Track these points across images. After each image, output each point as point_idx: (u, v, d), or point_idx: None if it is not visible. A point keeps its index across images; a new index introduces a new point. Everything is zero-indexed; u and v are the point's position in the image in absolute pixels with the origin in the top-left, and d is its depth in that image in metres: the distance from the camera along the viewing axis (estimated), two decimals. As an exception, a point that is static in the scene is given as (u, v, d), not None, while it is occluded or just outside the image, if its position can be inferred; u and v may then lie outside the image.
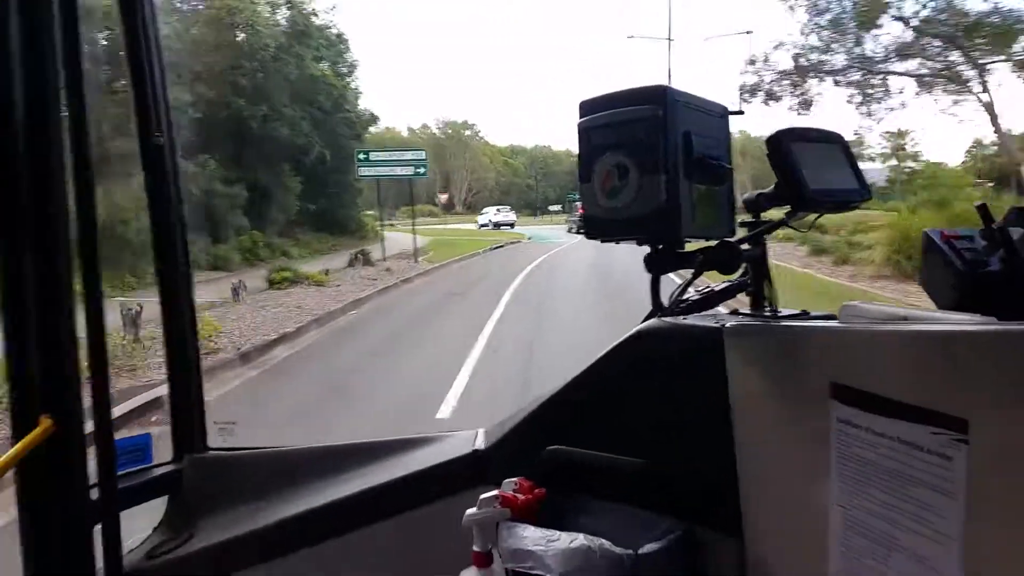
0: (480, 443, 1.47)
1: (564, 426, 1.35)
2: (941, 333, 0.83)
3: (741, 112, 1.49)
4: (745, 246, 1.31)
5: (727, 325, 1.13)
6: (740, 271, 1.34)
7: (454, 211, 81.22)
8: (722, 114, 1.38)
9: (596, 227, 1.34)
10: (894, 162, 71.56)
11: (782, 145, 1.22)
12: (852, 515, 0.93)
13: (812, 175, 1.22)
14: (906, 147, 68.91)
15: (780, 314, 1.27)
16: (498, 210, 52.27)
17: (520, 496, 1.22)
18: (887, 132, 71.32)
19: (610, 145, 1.29)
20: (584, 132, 1.34)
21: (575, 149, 1.37)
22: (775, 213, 1.30)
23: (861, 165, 1.30)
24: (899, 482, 0.86)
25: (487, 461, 1.43)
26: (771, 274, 1.32)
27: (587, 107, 1.34)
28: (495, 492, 1.22)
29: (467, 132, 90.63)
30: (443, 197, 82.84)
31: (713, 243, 1.32)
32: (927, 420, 0.81)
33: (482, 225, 49.32)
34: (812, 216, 1.33)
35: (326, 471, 1.55)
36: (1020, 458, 0.73)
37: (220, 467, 1.65)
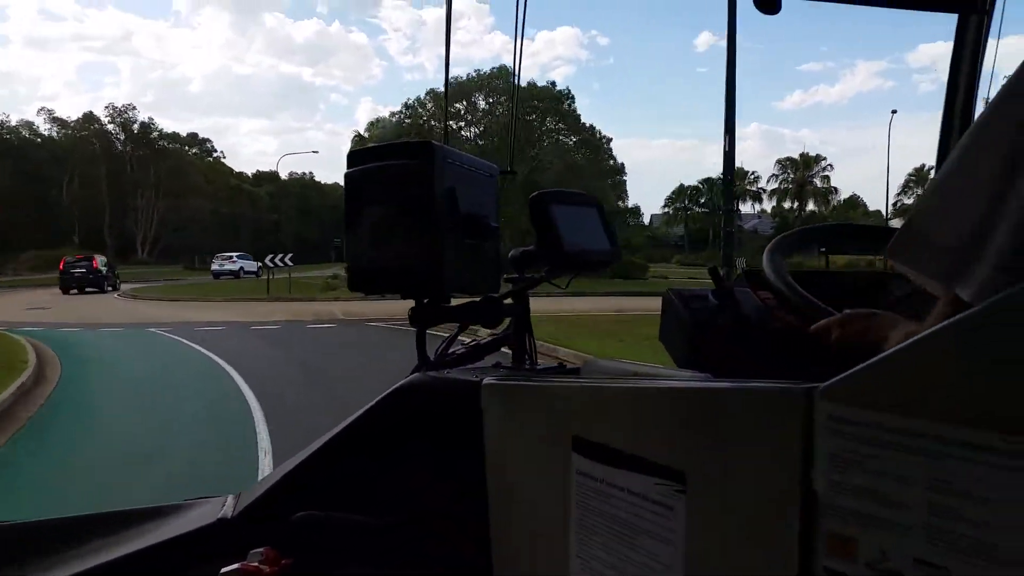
0: (227, 511, 1.36)
1: (321, 487, 1.30)
2: (660, 389, 0.89)
3: (513, 172, 1.57)
4: (508, 301, 1.36)
5: (485, 380, 1.13)
6: (504, 325, 1.38)
7: (132, 258, 59.16)
8: (491, 174, 1.43)
9: (361, 279, 1.35)
10: (788, 203, 69.06)
11: (542, 206, 1.26)
12: (589, 566, 0.95)
13: (569, 236, 1.27)
14: (814, 180, 67.72)
15: (538, 368, 1.31)
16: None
17: (265, 568, 1.14)
18: (784, 160, 70.23)
19: (377, 197, 1.30)
20: (351, 182, 1.33)
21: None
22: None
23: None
24: (629, 532, 0.89)
25: (235, 530, 1.32)
26: (532, 329, 1.37)
27: (355, 158, 1.34)
28: (238, 565, 1.14)
29: (157, 135, 68.21)
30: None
31: (478, 298, 1.36)
32: (652, 471, 0.85)
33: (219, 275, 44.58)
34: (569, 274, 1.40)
35: (59, 546, 1.37)
36: (728, 509, 0.77)
37: None
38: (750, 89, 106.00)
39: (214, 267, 46.23)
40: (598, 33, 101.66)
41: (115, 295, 32.77)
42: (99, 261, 35.48)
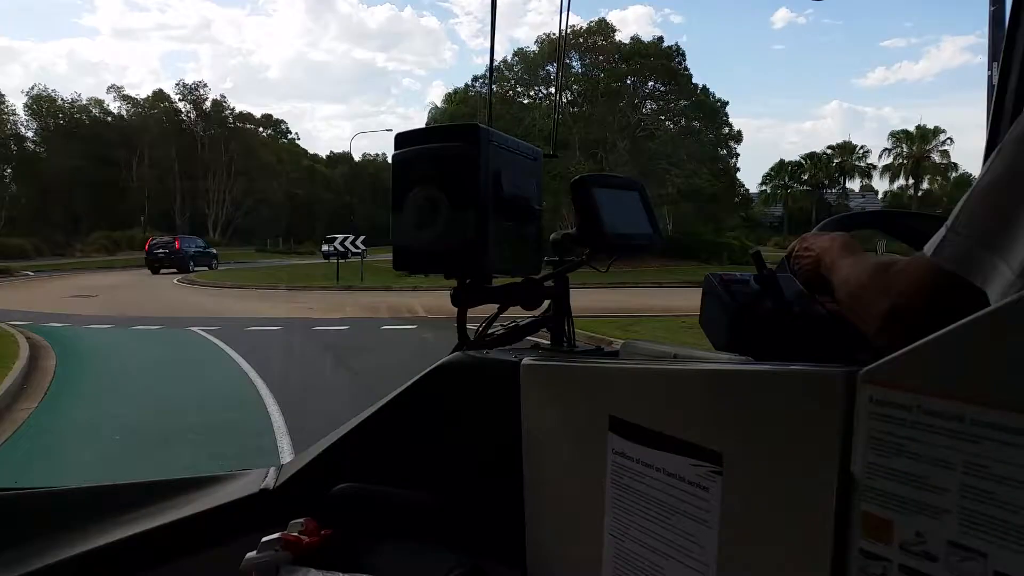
0: (270, 482, 1.38)
1: (360, 462, 1.32)
2: (700, 372, 0.89)
3: (556, 155, 1.58)
4: (549, 283, 1.38)
5: (524, 361, 1.14)
6: (544, 307, 1.40)
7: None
8: (535, 157, 1.44)
9: (405, 258, 1.36)
10: (902, 181, 59.42)
11: (585, 190, 1.29)
12: (623, 545, 0.96)
13: (611, 220, 1.29)
14: (931, 155, 60.54)
15: (577, 349, 1.33)
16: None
17: (305, 538, 1.15)
18: (898, 133, 61.23)
19: (423, 178, 1.31)
20: (399, 164, 1.35)
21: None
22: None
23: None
24: (665, 512, 0.90)
25: (276, 501, 1.34)
26: (571, 311, 1.38)
27: (402, 139, 1.36)
28: (278, 535, 1.15)
29: (229, 114, 64.78)
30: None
31: (519, 280, 1.39)
32: (688, 452, 0.86)
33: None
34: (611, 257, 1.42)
35: (99, 513, 1.39)
36: (765, 490, 0.78)
37: None
38: (831, 66, 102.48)
39: (325, 248, 42.80)
40: (671, 11, 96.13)
41: (175, 280, 30.16)
42: (182, 242, 36.62)
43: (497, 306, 1.42)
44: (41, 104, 58.13)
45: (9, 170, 55.88)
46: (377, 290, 22.74)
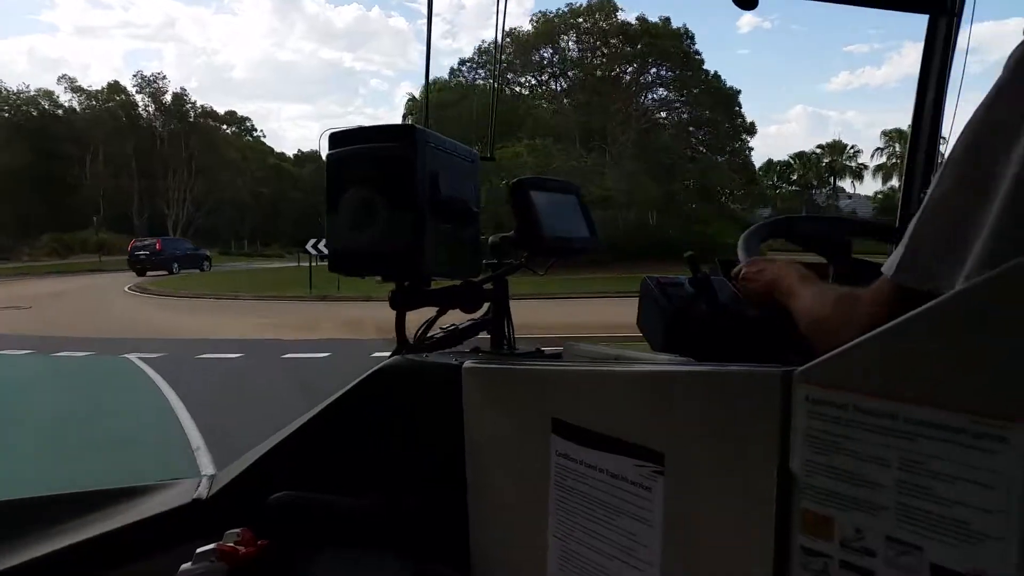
0: (203, 491, 1.34)
1: (297, 470, 1.29)
2: (641, 373, 0.90)
3: (492, 158, 1.57)
4: (488, 286, 1.39)
5: (465, 364, 1.13)
6: (483, 310, 1.41)
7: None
8: (472, 159, 1.42)
9: (341, 260, 1.34)
10: (894, 182, 54.72)
11: (523, 193, 1.31)
12: (567, 547, 0.96)
13: (549, 223, 1.31)
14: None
15: (516, 352, 1.35)
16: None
17: (241, 548, 1.12)
18: (891, 132, 57.18)
19: (359, 179, 1.29)
20: (333, 163, 1.32)
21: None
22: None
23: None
24: (609, 513, 0.90)
25: (210, 511, 1.30)
26: (510, 313, 1.39)
27: (337, 139, 1.33)
28: (213, 545, 1.12)
29: (190, 108, 60.79)
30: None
31: (457, 283, 1.38)
32: (631, 453, 0.87)
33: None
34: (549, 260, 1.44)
35: (26, 525, 1.33)
36: (707, 489, 0.79)
37: None
38: (794, 71, 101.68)
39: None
40: (633, 12, 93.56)
41: (126, 288, 26.66)
42: (164, 244, 36.41)
43: (436, 309, 1.40)
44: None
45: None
46: (356, 300, 19.17)
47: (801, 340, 1.02)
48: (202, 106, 64.12)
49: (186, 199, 58.50)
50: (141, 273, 32.88)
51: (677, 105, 38.13)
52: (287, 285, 24.50)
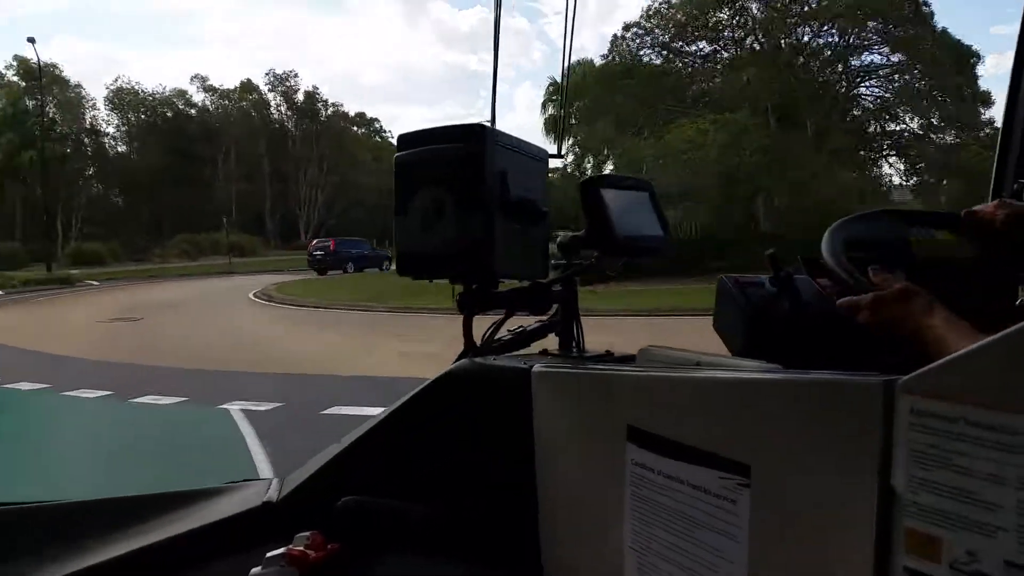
0: (272, 494, 1.34)
1: (366, 473, 1.29)
2: (728, 380, 0.86)
3: (561, 156, 1.57)
4: (557, 287, 1.35)
5: (535, 367, 1.11)
6: (551, 312, 1.37)
7: (295, 243, 52.09)
8: (541, 158, 1.41)
9: (410, 263, 1.34)
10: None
11: (593, 191, 1.26)
12: (645, 559, 0.93)
13: (620, 222, 1.26)
14: None
15: (586, 355, 1.30)
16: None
17: (311, 552, 1.12)
18: None
19: (428, 180, 1.28)
20: (402, 166, 1.32)
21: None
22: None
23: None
24: (689, 525, 0.87)
25: (279, 514, 1.30)
26: (579, 315, 1.35)
27: (406, 141, 1.33)
28: (283, 549, 1.12)
29: (321, 106, 59.82)
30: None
31: (526, 284, 1.35)
32: (714, 464, 0.83)
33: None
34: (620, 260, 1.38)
35: (96, 527, 1.35)
36: (798, 504, 0.75)
37: None
38: None
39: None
40: None
41: (251, 295, 23.76)
42: (338, 244, 36.77)
43: (503, 312, 1.38)
44: (123, 97, 53.65)
45: (92, 170, 51.74)
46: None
47: (892, 344, 0.98)
48: (333, 104, 62.57)
49: (317, 200, 56.98)
50: (322, 272, 33.78)
51: (895, 72, 30.84)
52: (431, 294, 20.64)
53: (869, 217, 1.29)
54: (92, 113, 52.19)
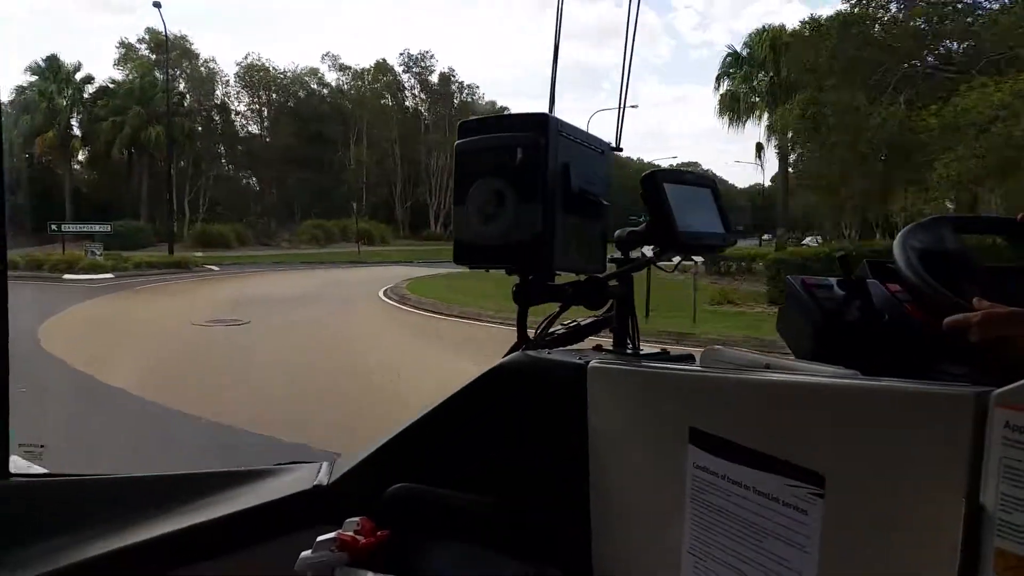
0: (324, 477, 1.35)
1: (417, 461, 1.29)
2: (802, 384, 0.83)
3: (620, 149, 1.51)
4: (613, 282, 1.33)
5: (591, 363, 1.10)
6: (606, 307, 1.36)
7: (425, 233, 51.37)
8: (603, 150, 1.39)
9: (466, 253, 1.33)
10: None
11: (655, 185, 1.25)
12: (706, 566, 0.91)
13: (682, 217, 1.24)
14: None
15: (642, 352, 1.29)
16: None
17: (361, 538, 1.11)
18: None
19: (488, 170, 1.27)
20: (462, 154, 1.31)
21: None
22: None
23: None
24: (753, 533, 0.85)
25: (330, 497, 1.31)
26: (635, 312, 1.34)
27: (467, 128, 1.32)
28: (334, 534, 1.11)
29: (456, 88, 57.11)
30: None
31: (582, 277, 1.34)
32: (784, 472, 0.81)
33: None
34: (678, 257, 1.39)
35: (148, 503, 1.38)
36: (877, 519, 0.73)
37: (22, 496, 1.45)
38: None
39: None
40: None
41: (380, 293, 19.84)
42: None
43: (559, 305, 1.37)
44: (253, 75, 51.76)
45: (221, 147, 50.06)
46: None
47: (968, 353, 0.96)
48: (468, 85, 59.19)
49: (448, 187, 53.58)
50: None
51: None
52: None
53: (927, 226, 1.25)
54: (223, 90, 50.51)
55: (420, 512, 1.21)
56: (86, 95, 43.87)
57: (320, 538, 1.10)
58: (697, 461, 0.90)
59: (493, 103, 62.20)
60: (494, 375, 1.23)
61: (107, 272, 23.69)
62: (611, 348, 1.30)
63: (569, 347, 1.34)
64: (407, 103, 56.94)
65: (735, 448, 0.85)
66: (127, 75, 45.05)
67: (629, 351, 1.29)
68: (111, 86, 44.86)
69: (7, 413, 1.43)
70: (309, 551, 1.08)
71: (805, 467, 0.77)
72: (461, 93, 58.60)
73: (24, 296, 15.48)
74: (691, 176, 1.35)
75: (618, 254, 1.34)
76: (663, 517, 0.95)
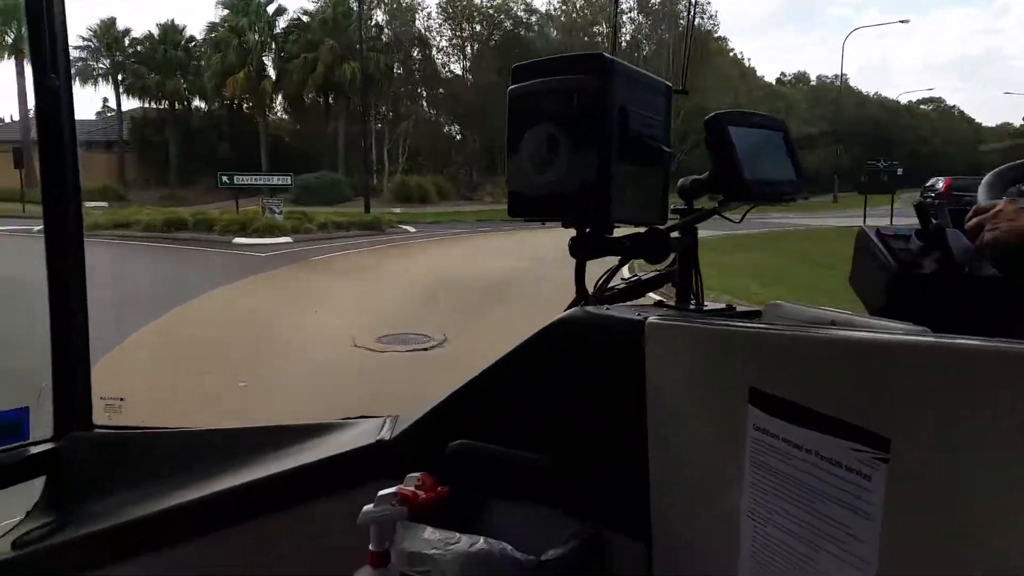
0: (386, 433, 1.37)
1: (475, 418, 1.28)
2: (869, 342, 0.78)
3: (685, 91, 1.42)
4: (675, 234, 1.27)
5: (649, 319, 1.06)
6: (669, 260, 1.31)
7: None
8: (664, 92, 1.32)
9: (521, 205, 1.27)
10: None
11: (720, 129, 1.18)
12: (765, 531, 0.89)
13: (749, 163, 1.17)
14: None
15: (705, 309, 1.24)
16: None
17: (421, 493, 1.14)
18: None
19: (542, 115, 1.21)
20: (515, 99, 1.25)
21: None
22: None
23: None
24: (814, 498, 0.82)
25: (392, 453, 1.33)
26: (699, 266, 1.28)
27: (520, 72, 1.26)
28: (395, 488, 1.14)
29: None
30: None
31: (642, 229, 1.28)
32: (848, 435, 0.77)
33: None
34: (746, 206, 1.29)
35: (220, 456, 1.44)
36: (941, 484, 0.69)
37: (104, 447, 1.53)
38: None
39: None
40: None
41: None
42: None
43: (618, 259, 1.31)
44: (456, 5, 46.82)
45: (421, 89, 45.79)
46: None
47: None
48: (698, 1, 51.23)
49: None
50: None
51: None
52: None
53: (1018, 167, 1.17)
54: (425, 23, 45.94)
55: (479, 469, 1.22)
56: (277, 30, 40.74)
57: (382, 492, 1.12)
58: (757, 422, 0.87)
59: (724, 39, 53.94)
60: (551, 332, 1.20)
61: (285, 235, 19.46)
62: (674, 304, 1.25)
63: (629, 303, 1.30)
64: (623, 29, 50.03)
65: (796, 409, 0.82)
66: (319, 4, 41.44)
67: (692, 307, 1.24)
68: (304, 18, 41.42)
69: (88, 366, 1.52)
70: (371, 505, 1.11)
71: (870, 430, 0.74)
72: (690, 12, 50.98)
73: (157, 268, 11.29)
74: (760, 118, 1.26)
75: (681, 204, 1.27)
76: (722, 480, 0.93)
